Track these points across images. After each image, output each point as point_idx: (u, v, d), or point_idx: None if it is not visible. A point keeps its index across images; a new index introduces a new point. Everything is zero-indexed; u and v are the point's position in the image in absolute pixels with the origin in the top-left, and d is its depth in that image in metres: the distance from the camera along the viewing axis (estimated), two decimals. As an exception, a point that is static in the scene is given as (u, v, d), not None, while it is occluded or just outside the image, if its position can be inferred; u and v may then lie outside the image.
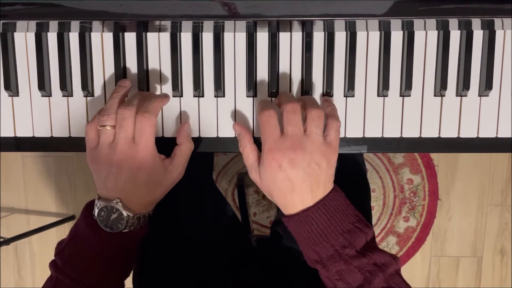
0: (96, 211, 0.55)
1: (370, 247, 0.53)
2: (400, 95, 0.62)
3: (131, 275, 0.67)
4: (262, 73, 0.62)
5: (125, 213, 0.55)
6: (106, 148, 0.55)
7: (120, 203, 0.55)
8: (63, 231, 1.54)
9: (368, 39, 0.61)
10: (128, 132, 0.54)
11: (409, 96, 0.62)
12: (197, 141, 0.63)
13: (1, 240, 1.29)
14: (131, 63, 0.62)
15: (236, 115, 0.62)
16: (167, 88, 0.62)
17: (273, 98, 0.62)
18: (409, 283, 0.54)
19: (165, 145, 0.61)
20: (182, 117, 0.63)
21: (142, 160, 0.55)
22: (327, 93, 0.62)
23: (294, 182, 0.52)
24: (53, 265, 0.57)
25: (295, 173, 0.52)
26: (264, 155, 0.53)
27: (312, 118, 0.53)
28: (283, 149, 0.52)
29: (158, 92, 0.62)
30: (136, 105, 0.55)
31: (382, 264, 0.51)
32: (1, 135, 0.63)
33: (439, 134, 0.62)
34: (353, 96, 0.62)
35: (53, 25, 0.60)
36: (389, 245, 1.53)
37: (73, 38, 0.62)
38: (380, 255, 0.52)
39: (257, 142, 0.58)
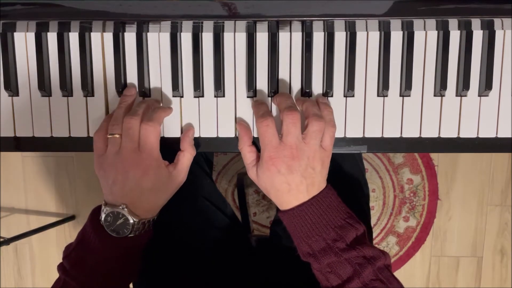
0: (103, 216, 0.57)
1: (360, 241, 0.55)
2: (400, 95, 0.62)
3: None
4: (262, 73, 0.62)
5: (130, 219, 0.56)
6: (112, 156, 0.56)
7: (126, 209, 0.56)
8: (63, 231, 1.54)
9: (368, 39, 0.61)
10: (134, 141, 0.56)
11: (409, 96, 0.62)
12: (197, 141, 0.63)
13: (1, 240, 1.29)
14: (131, 63, 0.62)
15: (236, 115, 0.62)
16: (167, 88, 0.62)
17: (270, 98, 0.62)
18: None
19: (167, 146, 0.61)
20: (183, 117, 0.63)
21: (147, 167, 0.56)
22: (327, 93, 0.62)
23: (292, 184, 0.55)
24: (61, 267, 0.58)
25: (293, 177, 0.55)
26: (264, 160, 0.56)
27: (314, 131, 0.55)
28: (281, 157, 0.55)
29: (158, 92, 0.62)
30: (141, 114, 0.57)
31: (371, 257, 0.54)
32: (1, 135, 0.63)
33: (439, 134, 0.62)
34: (353, 96, 0.62)
35: (53, 25, 0.60)
36: (389, 245, 1.52)
37: (73, 38, 0.62)
38: (369, 249, 0.55)
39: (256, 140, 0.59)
